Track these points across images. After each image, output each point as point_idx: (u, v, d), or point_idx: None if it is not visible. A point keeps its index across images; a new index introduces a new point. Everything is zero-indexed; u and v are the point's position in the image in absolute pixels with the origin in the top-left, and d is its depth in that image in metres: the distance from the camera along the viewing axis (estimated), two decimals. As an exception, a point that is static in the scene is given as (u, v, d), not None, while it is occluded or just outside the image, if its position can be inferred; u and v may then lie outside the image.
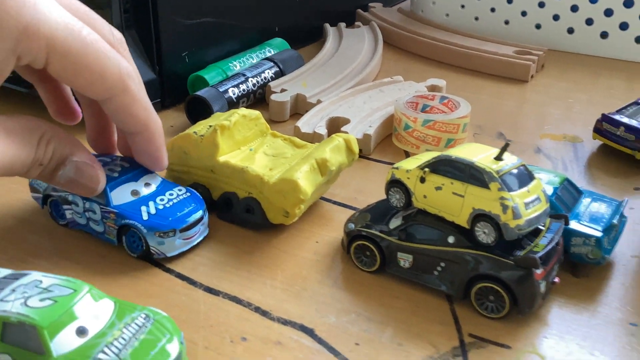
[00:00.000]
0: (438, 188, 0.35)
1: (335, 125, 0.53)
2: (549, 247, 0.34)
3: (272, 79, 0.61)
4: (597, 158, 0.52)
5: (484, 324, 0.34)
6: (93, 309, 0.30)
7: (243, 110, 0.44)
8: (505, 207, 0.33)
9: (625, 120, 0.50)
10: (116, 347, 0.28)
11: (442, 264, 0.35)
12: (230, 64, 0.62)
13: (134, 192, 0.39)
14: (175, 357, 0.29)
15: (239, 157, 0.43)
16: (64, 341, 0.28)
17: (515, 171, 0.34)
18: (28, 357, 0.28)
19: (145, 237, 0.38)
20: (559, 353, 0.32)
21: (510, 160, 0.34)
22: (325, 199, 0.46)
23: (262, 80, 0.60)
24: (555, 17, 0.75)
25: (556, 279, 0.35)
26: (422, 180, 0.36)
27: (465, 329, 0.34)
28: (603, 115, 0.51)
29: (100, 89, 0.34)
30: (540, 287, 0.33)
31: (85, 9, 0.35)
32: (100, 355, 0.28)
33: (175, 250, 0.39)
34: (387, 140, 0.55)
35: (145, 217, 0.38)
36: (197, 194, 0.41)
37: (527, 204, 0.33)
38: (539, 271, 0.33)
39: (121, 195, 0.39)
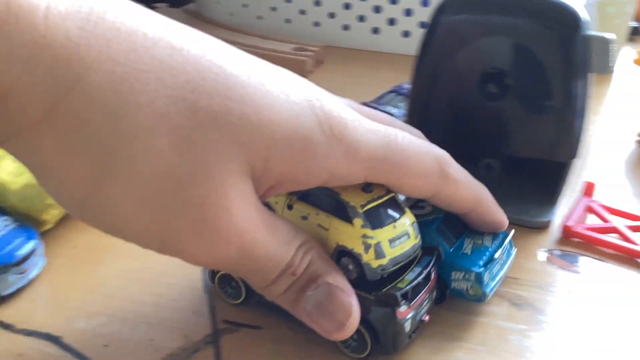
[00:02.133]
0: (304, 217, 0.32)
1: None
2: (414, 282, 0.31)
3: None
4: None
5: (239, 310, 0.35)
6: None
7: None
8: (367, 246, 0.30)
9: (380, 108, 0.53)
10: None
11: None
12: None
13: None
14: None
15: (-18, 165, 0.40)
16: None
17: (383, 204, 0.31)
18: None
19: None
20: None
21: (378, 192, 0.31)
22: (88, 202, 0.44)
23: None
24: (331, 15, 0.78)
25: (425, 317, 0.32)
26: (290, 207, 0.32)
27: (220, 317, 0.34)
28: (362, 103, 0.54)
29: (424, 189, 0.31)
30: (404, 326, 0.31)
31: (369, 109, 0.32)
32: None
33: (10, 288, 0.34)
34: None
35: None
36: (27, 223, 0.37)
37: (392, 241, 0.30)
38: (402, 309, 0.30)
39: None
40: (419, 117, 0.44)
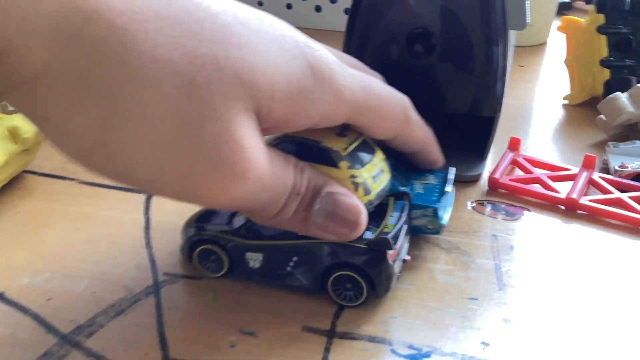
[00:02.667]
0: None
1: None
2: (398, 225, 0.33)
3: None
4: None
5: (179, 263, 0.36)
6: None
7: None
8: (356, 185, 0.31)
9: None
10: None
11: (295, 258, 0.33)
12: None
13: None
14: None
15: None
16: None
17: (360, 146, 0.33)
18: None
19: None
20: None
21: (352, 136, 0.33)
22: (30, 172, 0.45)
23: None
24: (274, -6, 0.80)
25: (407, 257, 0.35)
26: None
27: (160, 270, 0.36)
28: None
29: (390, 130, 0.33)
30: (394, 267, 0.33)
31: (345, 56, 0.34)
32: None
33: None
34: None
35: None
36: None
37: (374, 177, 0.33)
38: (391, 252, 0.32)
39: None
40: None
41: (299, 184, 0.29)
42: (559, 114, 0.58)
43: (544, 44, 0.78)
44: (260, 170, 0.26)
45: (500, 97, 0.43)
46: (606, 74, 0.57)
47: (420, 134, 0.36)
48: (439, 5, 0.41)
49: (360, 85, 0.30)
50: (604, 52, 0.57)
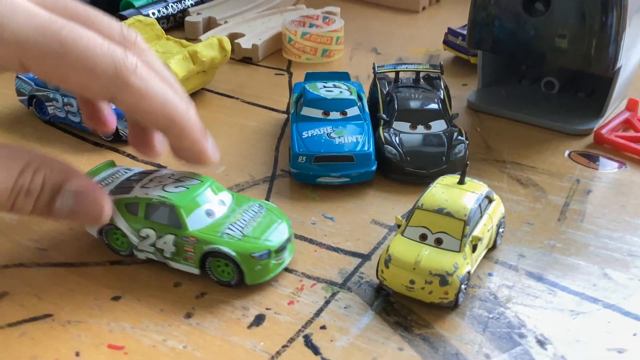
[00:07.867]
0: None
1: (232, 39, 0.64)
2: None
3: (192, 5, 0.72)
4: (444, 63, 0.62)
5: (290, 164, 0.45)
6: (217, 196, 0.35)
7: (139, 17, 0.55)
8: None
9: (463, 32, 0.60)
10: (239, 225, 0.34)
11: None
12: (156, -8, 0.72)
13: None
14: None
15: (133, 52, 0.54)
16: (196, 220, 0.34)
17: None
18: (168, 231, 0.34)
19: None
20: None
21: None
22: (208, 90, 0.56)
23: (182, 5, 0.71)
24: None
25: None
26: None
27: (279, 167, 0.45)
28: (448, 28, 0.61)
29: (95, 88, 0.30)
30: None
31: (77, 6, 0.31)
32: (227, 231, 0.34)
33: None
34: (279, 53, 0.65)
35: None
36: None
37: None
38: None
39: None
40: (479, 34, 0.50)
41: (26, 185, 0.29)
42: None
43: None
44: None
45: (614, 58, 0.45)
46: None
47: (151, 106, 0.30)
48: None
49: (34, 24, 0.28)
50: None
